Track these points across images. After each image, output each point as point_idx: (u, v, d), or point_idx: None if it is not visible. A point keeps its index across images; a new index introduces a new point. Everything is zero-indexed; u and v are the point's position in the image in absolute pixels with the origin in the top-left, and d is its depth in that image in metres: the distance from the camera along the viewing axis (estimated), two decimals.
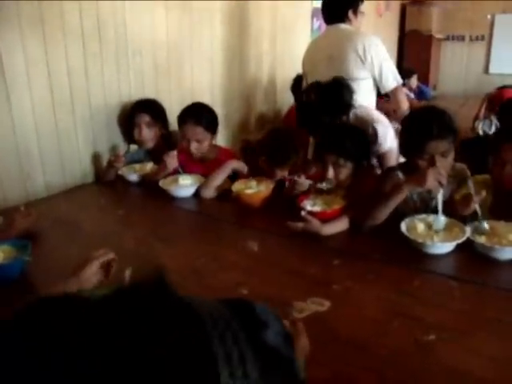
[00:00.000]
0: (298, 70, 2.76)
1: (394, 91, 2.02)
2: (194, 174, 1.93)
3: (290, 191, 1.66)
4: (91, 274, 0.92)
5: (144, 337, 0.30)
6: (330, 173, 1.57)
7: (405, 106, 2.02)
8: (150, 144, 2.16)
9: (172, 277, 0.34)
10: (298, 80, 2.87)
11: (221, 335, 0.32)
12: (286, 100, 3.30)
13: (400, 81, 2.02)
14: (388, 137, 1.78)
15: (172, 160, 1.92)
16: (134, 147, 2.21)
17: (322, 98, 1.71)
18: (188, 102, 2.07)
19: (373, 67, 1.98)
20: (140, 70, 2.26)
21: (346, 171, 1.59)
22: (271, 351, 0.34)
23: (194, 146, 1.95)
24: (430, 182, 1.29)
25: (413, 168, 1.39)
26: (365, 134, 1.67)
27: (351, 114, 1.80)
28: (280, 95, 3.34)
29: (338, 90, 1.74)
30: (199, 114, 1.97)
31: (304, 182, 1.60)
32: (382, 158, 1.79)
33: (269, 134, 1.84)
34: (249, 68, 3.02)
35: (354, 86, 1.83)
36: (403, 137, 1.44)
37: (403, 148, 1.46)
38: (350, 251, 1.32)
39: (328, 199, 1.58)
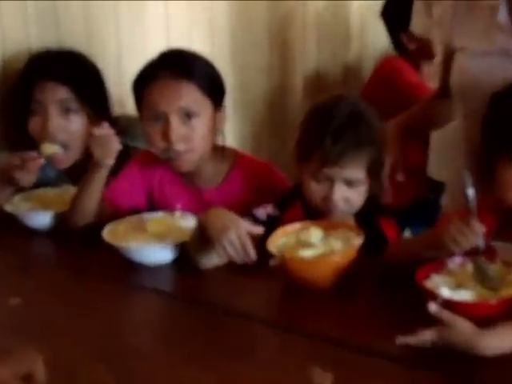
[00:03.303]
0: None
1: None
2: (183, 212, 1.84)
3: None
4: None
5: None
6: None
7: None
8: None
9: None
10: None
11: None
12: (369, 46, 3.23)
13: None
14: None
15: (112, 140, 1.78)
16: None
17: None
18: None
19: None
20: None
21: None
22: None
23: (176, 133, 1.78)
24: None
25: None
26: None
27: None
28: (356, 35, 3.24)
29: None
30: (186, 63, 1.89)
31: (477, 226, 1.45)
32: None
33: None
34: None
35: None
36: None
37: None
38: None
39: (491, 272, 1.47)
